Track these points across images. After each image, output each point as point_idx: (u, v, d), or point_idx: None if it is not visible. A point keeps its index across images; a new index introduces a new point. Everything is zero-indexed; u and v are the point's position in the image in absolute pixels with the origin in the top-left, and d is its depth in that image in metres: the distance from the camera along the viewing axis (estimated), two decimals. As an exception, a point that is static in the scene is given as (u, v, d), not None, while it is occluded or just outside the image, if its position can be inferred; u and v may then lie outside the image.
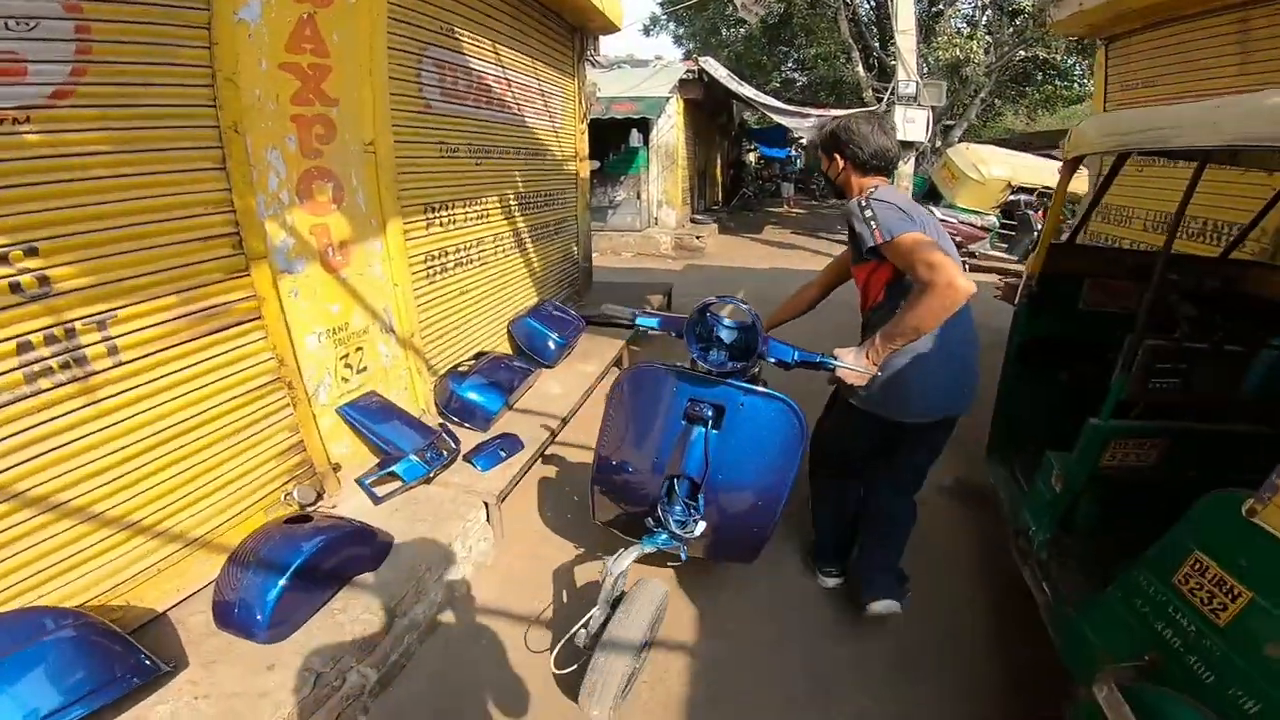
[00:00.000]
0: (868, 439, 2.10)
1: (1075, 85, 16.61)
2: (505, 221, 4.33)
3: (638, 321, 2.01)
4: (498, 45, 4.02)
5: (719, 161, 16.97)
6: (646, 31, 20.19)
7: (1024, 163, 10.77)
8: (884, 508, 2.21)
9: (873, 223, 1.75)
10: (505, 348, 4.29)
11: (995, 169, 10.28)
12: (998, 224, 10.03)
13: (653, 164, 10.55)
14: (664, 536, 1.84)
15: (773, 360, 1.87)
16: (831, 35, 13.12)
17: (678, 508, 1.82)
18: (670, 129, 10.41)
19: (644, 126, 10.57)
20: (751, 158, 25.70)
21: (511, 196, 4.41)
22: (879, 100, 14.37)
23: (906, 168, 9.23)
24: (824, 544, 2.45)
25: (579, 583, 2.53)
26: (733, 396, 1.82)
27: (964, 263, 4.40)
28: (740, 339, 1.89)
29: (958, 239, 8.22)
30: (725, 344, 1.89)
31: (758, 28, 13.80)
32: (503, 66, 4.15)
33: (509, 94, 4.25)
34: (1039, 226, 9.91)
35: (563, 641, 1.78)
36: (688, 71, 10.11)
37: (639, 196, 10.30)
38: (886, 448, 2.11)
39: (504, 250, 4.35)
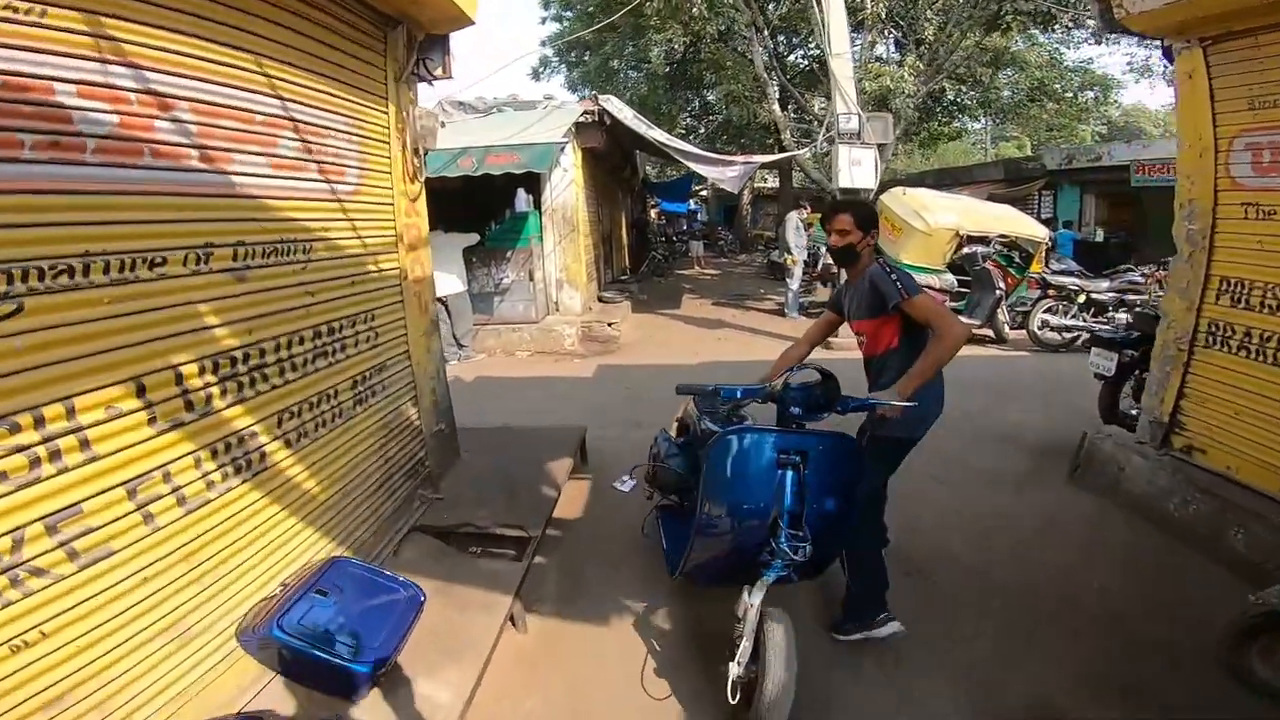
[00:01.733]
0: (892, 466, 2.58)
1: (961, 120, 15.96)
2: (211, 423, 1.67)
3: (723, 394, 2.32)
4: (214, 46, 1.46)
5: (624, 222, 14.89)
6: (536, 75, 18.09)
7: (971, 207, 9.30)
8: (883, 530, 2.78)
9: (898, 284, 2.28)
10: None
11: (941, 216, 8.59)
12: (954, 283, 8.36)
13: (548, 232, 8.14)
14: (779, 564, 2.09)
15: (837, 409, 2.23)
16: (742, 71, 11.43)
17: (784, 540, 2.05)
18: (567, 186, 8.09)
19: (533, 185, 8.19)
20: (653, 214, 24.20)
21: (227, 351, 1.78)
22: (802, 144, 13.00)
23: None
24: (882, 586, 2.57)
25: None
26: (810, 441, 2.16)
27: None
28: (820, 395, 2.26)
29: None
30: (803, 400, 2.25)
31: (660, 66, 11.96)
32: (234, 87, 1.68)
33: (249, 136, 1.71)
34: (1000, 284, 8.39)
35: (731, 680, 2.00)
36: (585, 113, 7.89)
37: (531, 277, 7.80)
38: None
39: (228, 475, 1.70)
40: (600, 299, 9.91)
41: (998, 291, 8.07)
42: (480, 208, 8.21)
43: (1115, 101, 18.81)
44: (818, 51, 13.90)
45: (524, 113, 8.21)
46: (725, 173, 7.93)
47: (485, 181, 7.92)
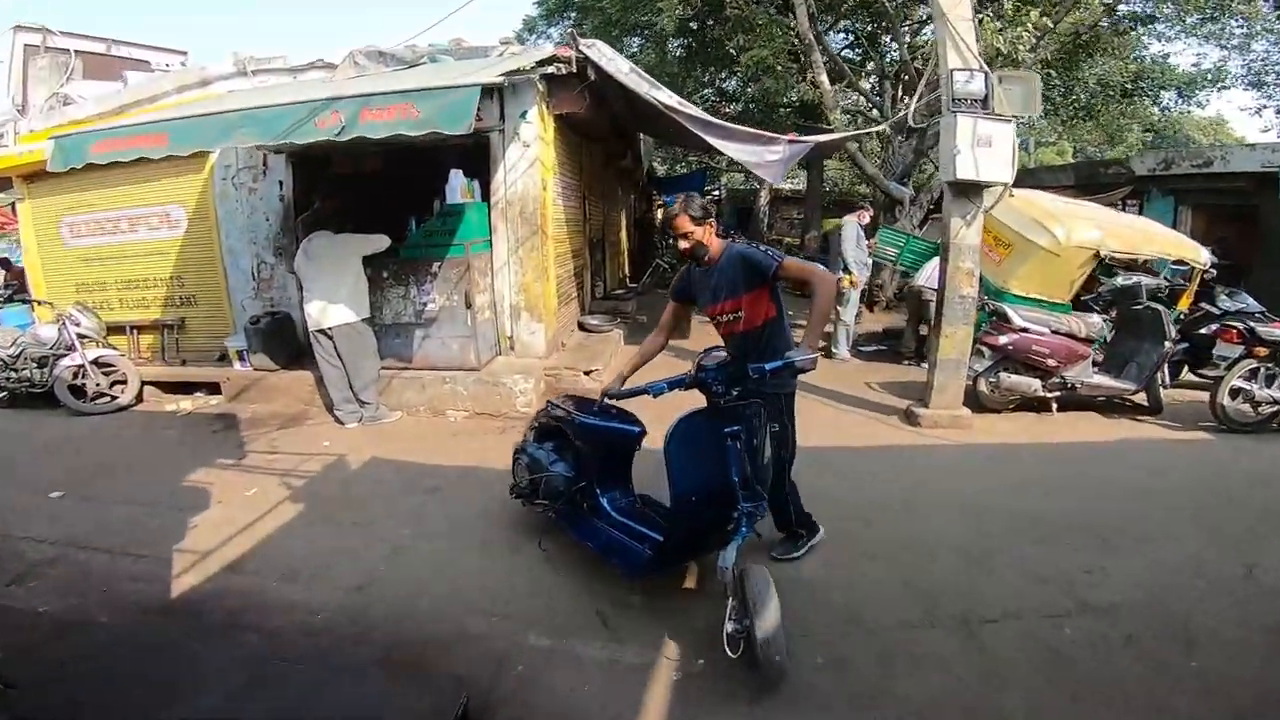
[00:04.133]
0: (792, 417, 3.00)
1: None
2: None
3: (652, 392, 2.45)
4: None
5: (623, 223, 12.28)
6: (520, 41, 15.21)
7: (1112, 219, 6.65)
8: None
9: (767, 252, 2.67)
10: None
11: (1079, 230, 5.94)
12: (1107, 330, 5.70)
13: (499, 236, 5.53)
14: (745, 526, 2.37)
15: (754, 375, 2.33)
16: (777, 33, 8.73)
17: (745, 504, 2.35)
18: (529, 168, 5.48)
19: (479, 166, 5.57)
20: (660, 214, 21.64)
21: None
22: (867, 121, 10.21)
23: (971, 231, 4.62)
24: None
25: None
26: (745, 414, 2.42)
27: (1054, 396, 5.35)
28: (737, 371, 2.44)
29: (1048, 360, 5.23)
30: (724, 378, 2.45)
31: (673, 20, 9.24)
32: None
33: None
34: (1171, 334, 5.70)
35: (726, 636, 2.23)
36: (558, 62, 5.26)
37: (469, 302, 5.16)
38: None
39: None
40: (582, 326, 7.30)
41: (1167, 344, 5.43)
42: (404, 199, 5.61)
43: (1200, 102, 16.07)
44: (869, 25, 11.25)
45: (467, 62, 5.59)
46: (765, 154, 5.31)
47: (409, 161, 5.34)
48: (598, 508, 2.95)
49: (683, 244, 2.64)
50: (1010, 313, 5.28)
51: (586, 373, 5.70)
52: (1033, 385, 5.32)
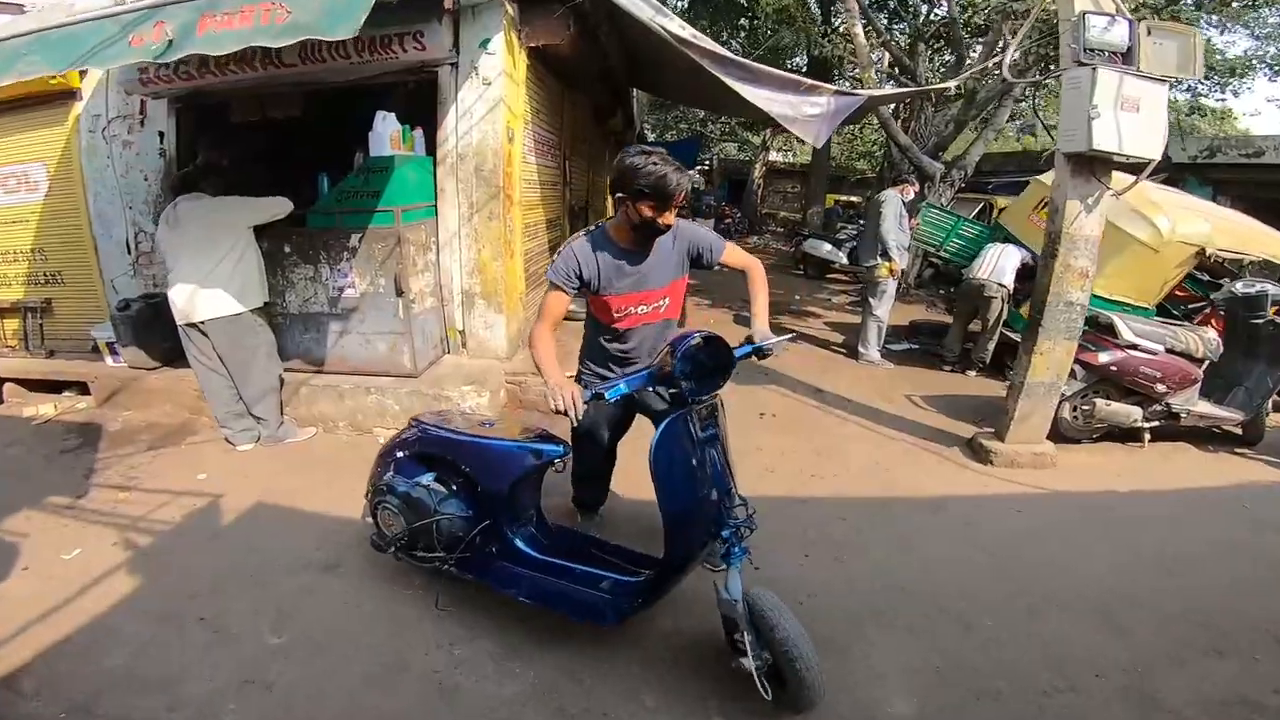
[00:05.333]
0: None
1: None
2: None
3: (608, 395, 1.93)
4: None
5: (608, 191, 10.85)
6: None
7: (1216, 212, 5.47)
8: None
9: (714, 234, 2.38)
10: None
11: (1185, 221, 4.82)
12: (1218, 346, 4.52)
13: (446, 200, 4.17)
14: (740, 545, 1.98)
15: (738, 358, 2.06)
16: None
17: (734, 518, 1.99)
18: (489, 113, 4.10)
19: (420, 109, 4.21)
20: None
21: None
22: (897, 84, 8.76)
23: (1091, 220, 3.32)
24: None
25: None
26: (715, 416, 2.07)
27: (1149, 426, 4.29)
28: (706, 359, 1.97)
29: (1157, 385, 4.14)
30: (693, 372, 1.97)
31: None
32: None
33: None
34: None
35: (756, 674, 1.88)
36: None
37: (400, 288, 3.80)
38: None
39: None
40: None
41: (1289, 370, 4.30)
42: (330, 156, 4.24)
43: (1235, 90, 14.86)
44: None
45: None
46: (804, 107, 4.01)
47: (337, 107, 4.05)
48: (515, 552, 2.36)
49: (667, 219, 2.09)
50: (1120, 325, 4.09)
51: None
52: (1133, 415, 4.16)
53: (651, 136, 22.83)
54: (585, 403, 1.92)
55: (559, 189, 6.35)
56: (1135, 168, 3.35)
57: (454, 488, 2.33)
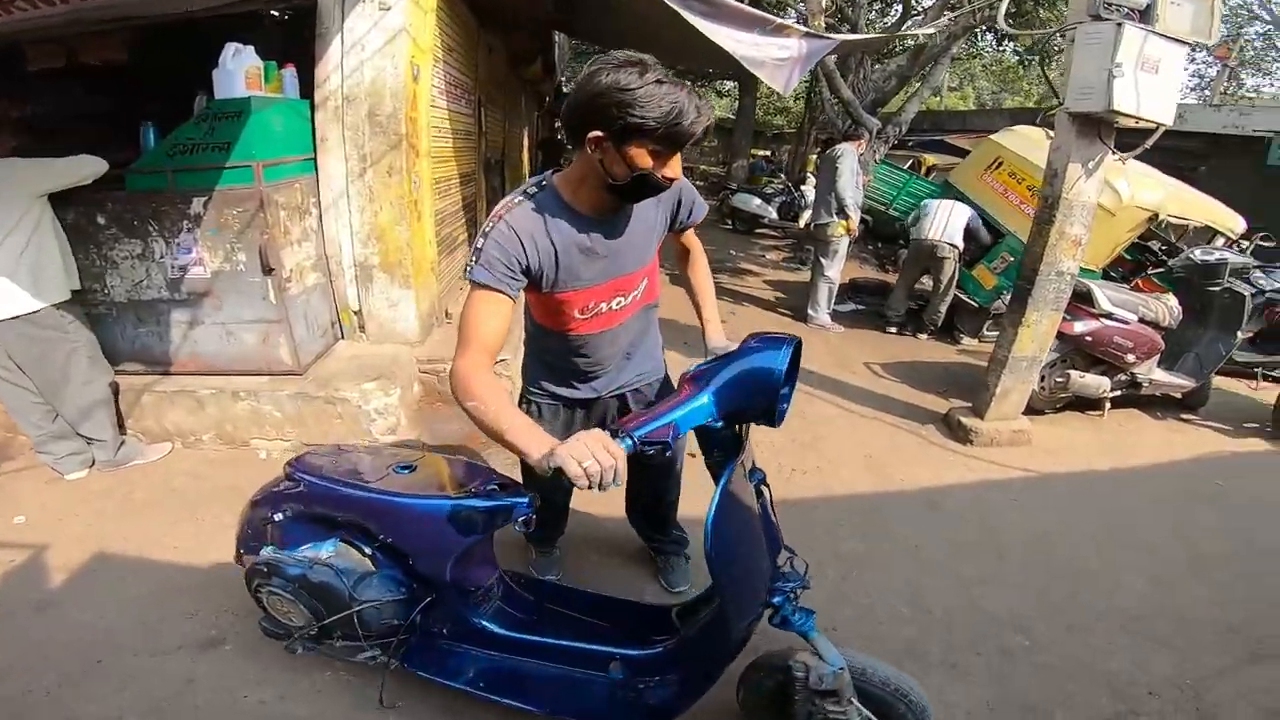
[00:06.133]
0: None
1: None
2: None
3: (671, 441, 1.24)
4: None
5: (525, 144, 9.97)
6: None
7: (1166, 180, 5.36)
8: None
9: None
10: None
11: (1144, 189, 4.71)
12: (1180, 314, 4.39)
13: (330, 150, 3.29)
14: (803, 609, 1.46)
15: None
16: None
17: (793, 578, 1.48)
18: (389, 43, 3.23)
19: (290, 39, 3.29)
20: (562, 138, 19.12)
21: None
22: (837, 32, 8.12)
23: (1091, 185, 2.99)
24: None
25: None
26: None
27: (1107, 396, 4.11)
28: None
29: (1127, 354, 3.93)
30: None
31: None
32: None
33: None
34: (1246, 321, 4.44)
35: None
36: None
37: (267, 266, 2.91)
38: None
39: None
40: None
41: (1240, 335, 4.24)
42: (165, 107, 3.23)
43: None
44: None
45: None
46: (772, 49, 3.43)
47: (175, 45, 3.09)
48: (478, 632, 1.70)
49: (674, 170, 1.31)
50: (1098, 293, 3.83)
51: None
52: (1102, 385, 3.97)
53: (569, 89, 21.56)
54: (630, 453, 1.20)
55: (474, 140, 5.46)
56: (1135, 132, 3.03)
57: (374, 557, 1.63)
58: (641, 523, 2.35)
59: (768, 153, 19.39)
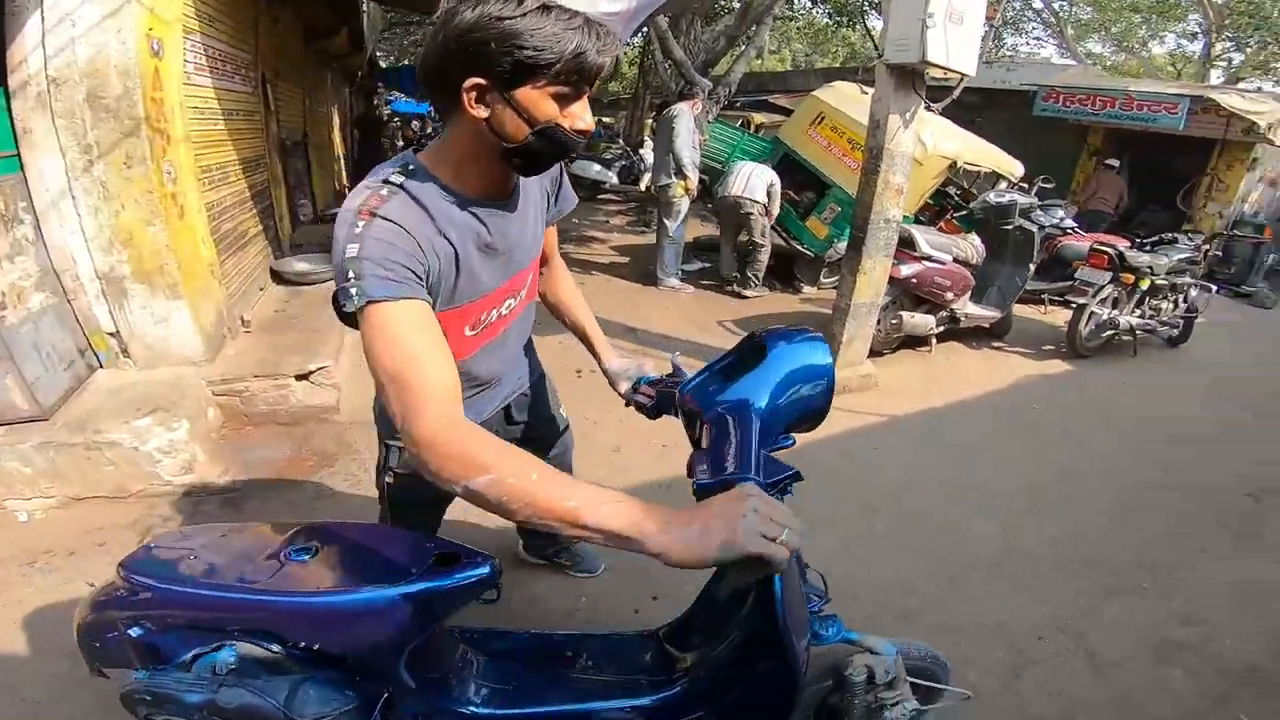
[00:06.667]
0: None
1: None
2: None
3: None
4: None
5: (335, 122, 8.97)
6: None
7: (961, 132, 5.80)
8: None
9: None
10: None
11: (945, 139, 5.11)
12: (984, 251, 4.81)
13: (37, 144, 2.52)
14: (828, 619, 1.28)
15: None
16: None
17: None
18: (114, 14, 2.53)
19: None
20: (388, 116, 17.59)
21: None
22: None
23: (908, 136, 3.09)
24: None
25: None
26: None
27: (937, 332, 4.48)
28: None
29: (947, 292, 4.28)
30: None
31: None
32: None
33: None
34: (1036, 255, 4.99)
35: None
36: None
37: None
38: None
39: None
40: (280, 278, 4.51)
41: (1032, 267, 4.73)
42: None
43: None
44: None
45: None
46: (600, 3, 3.10)
47: None
48: (455, 715, 1.31)
49: (587, 119, 0.99)
50: (919, 238, 4.04)
51: (302, 376, 3.23)
52: (929, 323, 4.25)
53: (386, 63, 19.88)
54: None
55: (258, 120, 4.69)
56: (937, 87, 3.17)
57: (293, 659, 1.18)
58: (536, 539, 2.14)
59: (601, 119, 19.20)
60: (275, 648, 1.17)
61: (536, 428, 1.63)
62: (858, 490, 2.91)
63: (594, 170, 10.41)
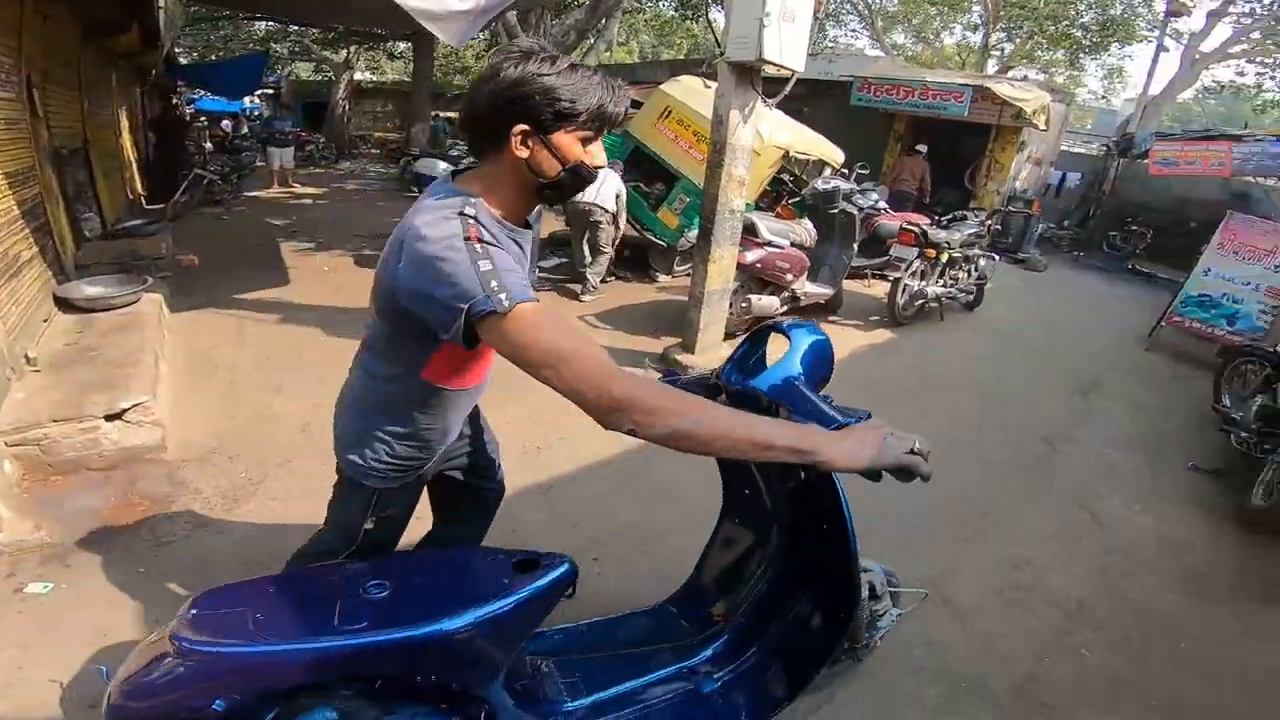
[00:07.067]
0: None
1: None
2: None
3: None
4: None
5: (124, 125, 7.86)
6: None
7: (792, 124, 6.22)
8: None
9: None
10: None
11: (778, 131, 5.50)
12: (815, 234, 5.26)
13: None
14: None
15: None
16: None
17: None
18: None
19: None
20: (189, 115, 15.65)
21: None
22: None
23: (748, 130, 3.33)
24: None
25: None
26: None
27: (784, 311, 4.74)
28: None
29: (787, 274, 4.64)
30: None
31: None
32: None
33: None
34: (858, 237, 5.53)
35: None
36: None
37: None
38: None
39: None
40: (67, 305, 3.90)
41: (855, 246, 5.24)
42: None
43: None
44: None
45: None
46: (449, 1, 2.99)
47: None
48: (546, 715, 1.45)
49: (600, 156, 1.21)
50: (760, 225, 4.31)
51: (113, 416, 2.83)
52: (775, 304, 4.57)
53: (187, 60, 17.66)
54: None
55: (22, 128, 3.99)
56: (771, 81, 3.38)
57: (385, 702, 1.18)
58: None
59: (448, 114, 18.45)
60: (358, 694, 1.16)
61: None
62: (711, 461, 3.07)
63: (439, 169, 9.99)
